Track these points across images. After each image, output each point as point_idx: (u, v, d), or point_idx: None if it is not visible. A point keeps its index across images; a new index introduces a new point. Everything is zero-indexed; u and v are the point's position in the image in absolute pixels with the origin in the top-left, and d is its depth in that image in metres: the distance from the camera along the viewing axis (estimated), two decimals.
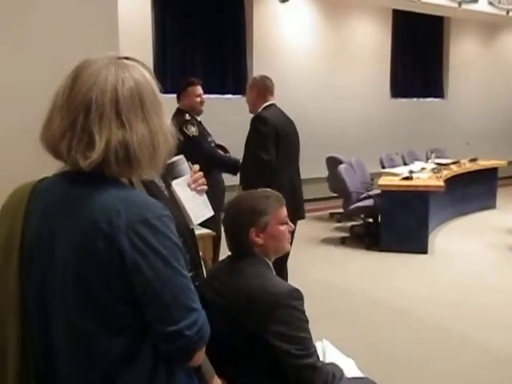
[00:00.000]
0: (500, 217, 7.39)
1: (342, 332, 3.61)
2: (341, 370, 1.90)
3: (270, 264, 1.79)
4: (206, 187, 1.64)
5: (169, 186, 1.60)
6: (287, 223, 1.81)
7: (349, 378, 1.94)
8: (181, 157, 1.63)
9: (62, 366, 1.15)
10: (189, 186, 1.60)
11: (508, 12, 9.61)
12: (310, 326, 1.76)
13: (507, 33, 11.54)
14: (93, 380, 1.14)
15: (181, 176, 1.61)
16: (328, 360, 1.99)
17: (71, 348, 1.13)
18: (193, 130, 3.92)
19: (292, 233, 1.95)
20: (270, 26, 8.29)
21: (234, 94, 7.76)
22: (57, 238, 1.12)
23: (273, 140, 3.42)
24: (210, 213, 1.64)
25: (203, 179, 1.64)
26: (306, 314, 1.72)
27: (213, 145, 4.06)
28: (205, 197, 1.64)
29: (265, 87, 3.64)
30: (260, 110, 3.59)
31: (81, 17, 2.24)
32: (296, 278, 3.69)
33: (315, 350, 1.76)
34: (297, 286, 1.71)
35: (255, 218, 1.73)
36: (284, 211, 1.79)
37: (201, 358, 1.21)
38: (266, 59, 7.98)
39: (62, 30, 2.21)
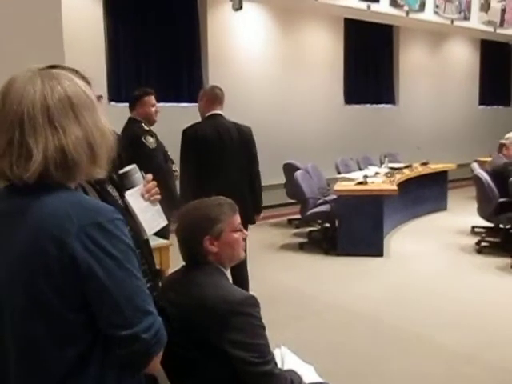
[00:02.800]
0: (451, 218, 7.63)
1: (303, 336, 3.64)
2: (299, 377, 1.91)
3: (225, 272, 1.78)
4: (159, 197, 1.63)
5: (122, 197, 1.57)
6: (241, 230, 1.81)
7: None
8: (133, 166, 1.61)
9: (13, 373, 1.13)
10: (142, 196, 1.57)
11: (452, 21, 9.99)
12: (271, 331, 1.76)
13: (452, 41, 11.99)
14: None
15: (134, 186, 1.58)
16: (287, 367, 1.99)
17: (20, 356, 1.12)
18: (152, 141, 3.91)
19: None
20: (224, 33, 8.32)
21: (189, 102, 7.74)
22: (3, 250, 1.11)
23: (190, 153, 3.54)
24: (163, 222, 1.62)
25: (156, 189, 1.63)
26: (267, 319, 1.72)
27: (169, 153, 4.06)
28: (158, 206, 1.62)
29: (213, 96, 3.68)
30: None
31: (22, 28, 2.18)
32: (256, 284, 3.70)
33: (273, 357, 1.75)
34: (257, 292, 1.71)
35: (209, 226, 1.72)
36: (237, 218, 1.79)
37: (157, 364, 1.19)
38: (220, 67, 8.00)
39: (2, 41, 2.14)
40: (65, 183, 1.15)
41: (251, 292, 3.38)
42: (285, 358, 2.08)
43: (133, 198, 1.54)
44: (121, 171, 1.57)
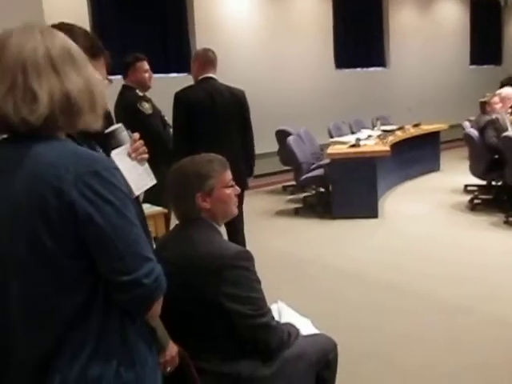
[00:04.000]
0: (444, 178, 7.67)
1: (300, 298, 3.67)
2: (296, 329, 1.95)
3: (219, 228, 1.80)
4: (146, 155, 1.61)
5: (108, 156, 1.56)
6: (233, 186, 1.81)
7: (305, 336, 1.99)
8: (120, 125, 1.59)
9: (17, 321, 1.15)
10: (129, 155, 1.56)
11: None
12: (268, 293, 1.78)
13: (442, 1, 11.83)
14: (45, 339, 1.13)
15: (120, 145, 1.57)
16: (284, 320, 2.03)
17: (24, 304, 1.13)
18: (147, 107, 3.88)
19: (239, 197, 1.96)
20: (213, 6, 8.17)
21: (178, 72, 7.65)
22: (1, 202, 1.12)
23: (182, 118, 3.52)
24: (152, 182, 1.61)
25: (144, 148, 1.61)
26: (263, 283, 1.74)
27: (165, 118, 4.02)
28: (146, 165, 1.60)
29: (206, 59, 3.63)
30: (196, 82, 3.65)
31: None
32: (253, 249, 3.70)
33: (269, 310, 1.78)
34: (256, 256, 1.72)
35: (200, 182, 1.73)
36: (229, 174, 1.80)
37: (158, 310, 1.21)
38: (208, 35, 7.87)
39: None
40: (57, 133, 1.16)
41: None
42: (282, 312, 2.12)
43: (119, 157, 1.52)
44: (106, 130, 1.55)
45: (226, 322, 1.69)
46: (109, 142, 1.55)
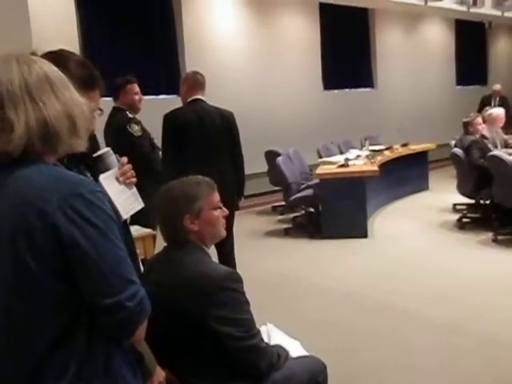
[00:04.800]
0: (433, 198, 7.72)
1: (291, 316, 3.67)
2: (286, 351, 1.94)
3: (207, 250, 1.79)
4: (134, 180, 1.62)
5: (97, 180, 1.57)
6: (221, 208, 1.82)
7: (294, 358, 1.97)
8: (108, 149, 1.60)
9: (2, 342, 1.15)
10: (117, 179, 1.57)
11: (426, 1, 10.04)
12: (258, 314, 1.77)
13: (427, 22, 12.08)
14: (28, 360, 1.13)
15: (108, 169, 1.57)
16: (273, 343, 2.02)
17: (8, 326, 1.13)
18: (137, 129, 3.90)
19: (229, 219, 1.96)
20: (199, 23, 8.27)
21: (167, 94, 7.70)
22: None
23: (171, 139, 3.56)
24: (139, 205, 1.61)
25: (132, 172, 1.62)
26: (255, 303, 1.73)
27: (155, 140, 4.03)
28: (134, 190, 1.61)
29: (195, 81, 3.68)
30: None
31: None
32: (242, 270, 3.70)
33: (258, 332, 1.78)
34: (244, 279, 1.72)
35: (188, 204, 1.73)
36: (216, 196, 1.81)
37: (142, 334, 1.20)
38: (198, 57, 7.95)
39: None
40: (45, 158, 1.17)
41: None
42: (271, 334, 2.10)
43: (107, 181, 1.53)
44: (95, 154, 1.56)
45: (215, 345, 1.68)
46: (97, 166, 1.55)
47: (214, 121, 3.62)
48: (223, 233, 1.85)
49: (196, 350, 1.70)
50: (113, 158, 1.60)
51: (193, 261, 1.71)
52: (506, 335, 3.30)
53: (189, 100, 3.66)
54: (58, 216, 1.08)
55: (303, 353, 2.10)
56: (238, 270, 3.69)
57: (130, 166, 1.62)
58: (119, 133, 3.79)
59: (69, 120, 1.17)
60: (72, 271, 1.11)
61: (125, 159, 1.63)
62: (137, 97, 4.01)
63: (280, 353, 1.86)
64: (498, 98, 10.05)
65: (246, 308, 1.71)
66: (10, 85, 1.12)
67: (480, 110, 7.88)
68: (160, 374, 1.56)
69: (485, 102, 9.79)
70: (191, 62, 7.90)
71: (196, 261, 1.71)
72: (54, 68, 1.21)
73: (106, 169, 1.56)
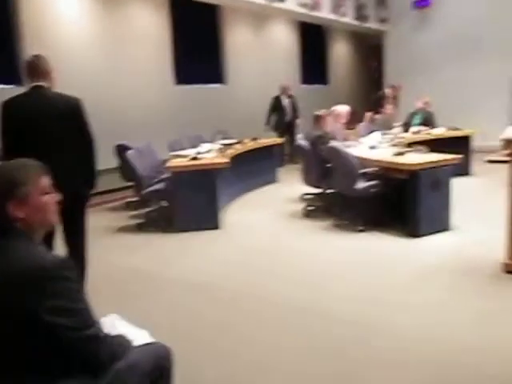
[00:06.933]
0: (281, 189, 8.13)
1: (142, 312, 3.58)
2: (128, 340, 1.88)
3: (35, 238, 1.67)
4: None
5: None
6: (51, 193, 1.70)
7: (138, 346, 1.93)
8: None
9: None
10: None
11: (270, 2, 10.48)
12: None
13: (273, 22, 12.64)
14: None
15: None
16: (117, 333, 1.95)
17: None
18: None
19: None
20: (41, 10, 7.71)
21: (5, 83, 7.07)
22: None
23: (8, 128, 3.33)
24: None
25: None
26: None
27: None
28: None
29: (32, 67, 3.43)
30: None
31: None
32: (95, 266, 3.54)
33: (97, 321, 1.70)
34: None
35: (13, 189, 1.60)
36: (46, 180, 1.69)
37: None
38: (41, 43, 7.39)
39: None
40: None
41: (90, 276, 3.26)
42: (116, 324, 2.03)
43: None
44: None
45: (51, 340, 1.57)
46: None
47: (54, 108, 3.41)
48: (54, 219, 1.73)
49: (29, 348, 1.57)
50: None
51: (19, 251, 1.57)
52: (345, 310, 3.59)
53: (30, 87, 3.42)
54: None
55: (149, 341, 2.07)
56: (90, 265, 3.55)
57: None
58: None
59: None
60: None
61: None
62: None
63: (121, 342, 1.80)
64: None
65: (79, 297, 1.61)
66: None
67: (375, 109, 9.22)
68: None
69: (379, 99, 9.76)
70: (34, 48, 7.33)
71: (23, 251, 1.57)
72: None
73: None
